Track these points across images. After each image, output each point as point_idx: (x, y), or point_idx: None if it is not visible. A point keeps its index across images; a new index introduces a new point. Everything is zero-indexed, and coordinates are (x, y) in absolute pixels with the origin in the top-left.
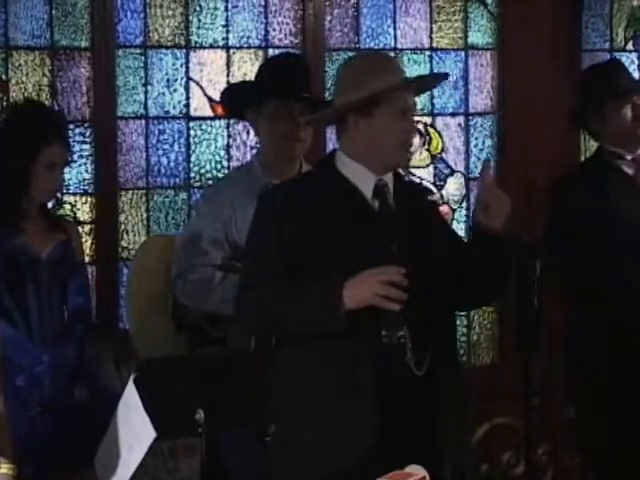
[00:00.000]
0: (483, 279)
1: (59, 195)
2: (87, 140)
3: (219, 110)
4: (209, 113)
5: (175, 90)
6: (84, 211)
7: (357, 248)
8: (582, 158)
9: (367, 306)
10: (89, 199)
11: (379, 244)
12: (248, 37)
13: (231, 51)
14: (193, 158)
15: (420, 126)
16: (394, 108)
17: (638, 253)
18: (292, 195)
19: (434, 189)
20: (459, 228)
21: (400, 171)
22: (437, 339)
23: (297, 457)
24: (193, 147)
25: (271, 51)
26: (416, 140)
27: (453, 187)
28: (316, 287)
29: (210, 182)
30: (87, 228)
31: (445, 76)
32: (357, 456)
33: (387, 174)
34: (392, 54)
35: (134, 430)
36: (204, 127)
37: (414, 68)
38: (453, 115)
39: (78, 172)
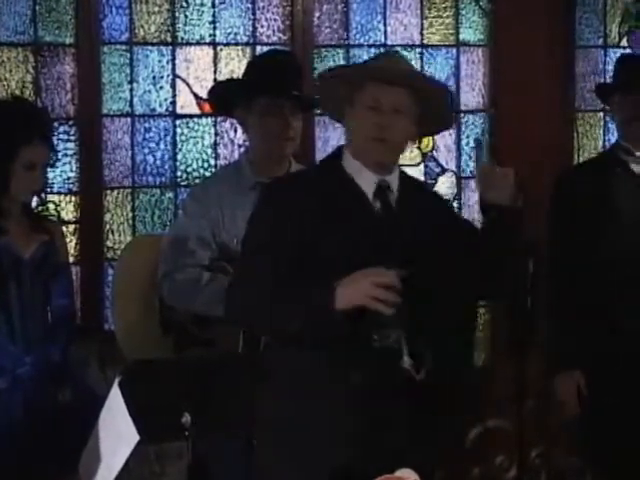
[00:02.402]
0: (500, 263)
1: (43, 195)
2: (71, 138)
3: (206, 108)
4: (196, 111)
5: (161, 87)
6: (68, 210)
7: (355, 249)
8: (576, 157)
9: (360, 308)
10: (73, 198)
11: (378, 245)
12: (236, 33)
13: (218, 48)
14: (180, 156)
15: None
16: (364, 100)
17: (634, 253)
18: (294, 190)
19: None
20: None
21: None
22: (440, 341)
23: (284, 462)
24: (180, 145)
25: (259, 48)
26: None
27: (444, 186)
28: (310, 285)
29: (197, 181)
30: (72, 228)
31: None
32: (345, 461)
33: (388, 173)
34: (382, 51)
35: (118, 433)
36: (191, 125)
37: None
38: None
39: (62, 171)
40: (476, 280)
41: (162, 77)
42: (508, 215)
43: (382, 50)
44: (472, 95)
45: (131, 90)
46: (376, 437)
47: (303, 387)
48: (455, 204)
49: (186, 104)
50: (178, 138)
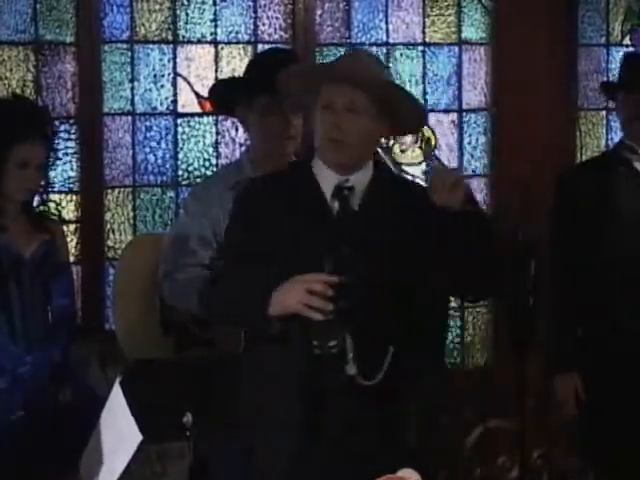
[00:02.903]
0: (468, 262)
1: (44, 194)
2: (72, 137)
3: (207, 106)
4: (197, 109)
5: (162, 86)
6: (69, 210)
7: (306, 249)
8: (579, 156)
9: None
10: (74, 197)
11: (329, 247)
12: (237, 32)
13: (219, 46)
14: (181, 155)
15: None
16: (321, 100)
17: (636, 253)
18: (263, 189)
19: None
20: None
21: (392, 167)
22: (402, 343)
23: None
24: (181, 144)
25: (260, 46)
26: (408, 137)
27: None
28: (250, 290)
29: (198, 180)
30: (72, 227)
31: None
32: (279, 465)
33: (350, 173)
34: (384, 49)
35: (120, 434)
36: (192, 124)
37: (406, 63)
38: (446, 111)
39: (63, 170)
40: (450, 276)
41: (163, 76)
42: (460, 217)
43: (384, 49)
44: (474, 94)
45: (132, 89)
46: (319, 441)
47: (267, 386)
48: None
49: (187, 103)
50: (179, 137)
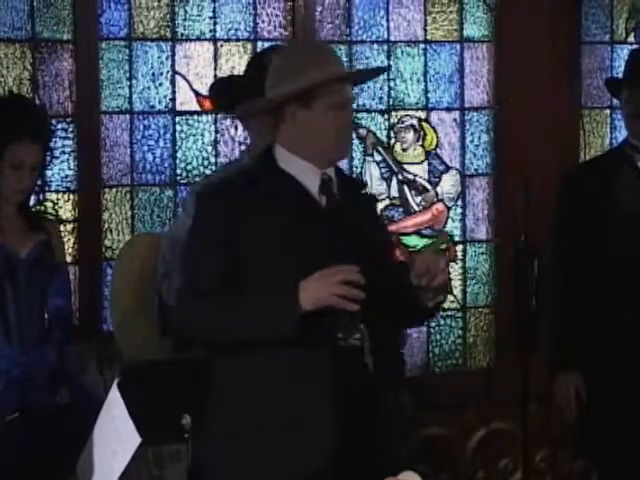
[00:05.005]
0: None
1: (41, 193)
2: (69, 136)
3: (206, 105)
4: (196, 108)
5: (161, 84)
6: (66, 209)
7: (306, 247)
8: (583, 155)
9: (321, 308)
10: (71, 197)
11: (329, 242)
12: (236, 29)
13: (219, 43)
14: (179, 154)
15: (414, 121)
16: (332, 100)
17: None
18: (232, 194)
19: (428, 186)
20: (455, 227)
21: (393, 166)
22: (387, 339)
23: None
24: (179, 143)
25: (260, 44)
26: (410, 136)
27: (448, 184)
28: (269, 290)
29: (197, 179)
30: (69, 227)
31: (383, 70)
32: (316, 464)
33: (329, 168)
34: (385, 47)
35: (118, 435)
36: (191, 122)
37: (408, 61)
38: (448, 110)
39: (60, 169)
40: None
41: (161, 73)
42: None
43: (385, 46)
44: (476, 92)
45: (130, 87)
46: (348, 437)
47: (263, 392)
48: (459, 202)
49: (186, 101)
50: (178, 135)
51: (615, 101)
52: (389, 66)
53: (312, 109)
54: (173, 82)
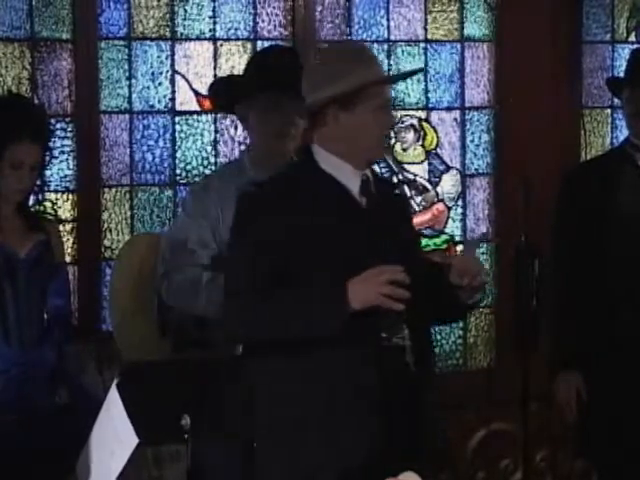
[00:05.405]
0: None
1: (40, 193)
2: (69, 135)
3: (206, 104)
4: (195, 107)
5: (160, 83)
6: (65, 209)
7: (349, 247)
8: (583, 154)
9: (366, 308)
10: (71, 196)
11: (371, 242)
12: (236, 28)
13: (218, 43)
14: (179, 154)
15: (414, 121)
16: (375, 103)
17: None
18: (275, 195)
19: (429, 186)
20: (455, 227)
21: (393, 166)
22: (425, 338)
23: (287, 470)
24: (179, 143)
25: (260, 43)
26: (410, 135)
27: (448, 184)
28: (316, 289)
29: (197, 179)
30: (69, 227)
31: (421, 70)
32: (361, 462)
33: (367, 169)
34: (385, 46)
35: (116, 436)
36: (190, 122)
37: (408, 60)
38: (448, 109)
39: (59, 169)
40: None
41: (161, 73)
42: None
43: (385, 46)
44: (477, 91)
45: (129, 86)
46: (389, 436)
47: (304, 393)
48: (459, 202)
49: (185, 101)
50: (177, 135)
51: (616, 101)
52: (425, 65)
53: (354, 112)
54: (173, 82)
